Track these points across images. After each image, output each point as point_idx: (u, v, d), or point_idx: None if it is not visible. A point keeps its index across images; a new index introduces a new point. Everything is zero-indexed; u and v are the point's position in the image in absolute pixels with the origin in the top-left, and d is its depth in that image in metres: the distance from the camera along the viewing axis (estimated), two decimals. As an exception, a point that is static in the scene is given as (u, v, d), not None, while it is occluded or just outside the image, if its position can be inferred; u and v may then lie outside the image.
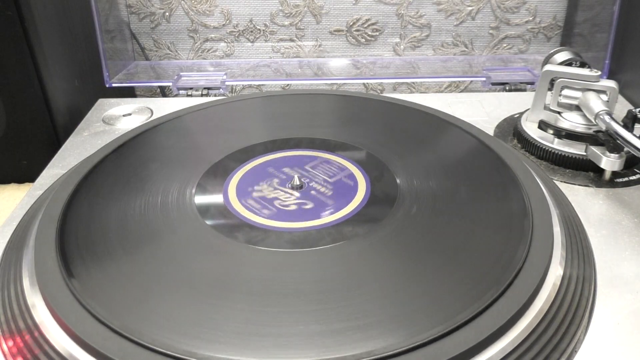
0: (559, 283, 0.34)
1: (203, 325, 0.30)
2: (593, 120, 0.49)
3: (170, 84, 0.70)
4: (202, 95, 0.69)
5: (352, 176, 0.45)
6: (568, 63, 0.55)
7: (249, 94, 0.72)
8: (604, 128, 0.47)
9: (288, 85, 0.84)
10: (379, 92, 0.85)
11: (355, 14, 0.79)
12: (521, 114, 0.57)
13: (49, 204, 0.41)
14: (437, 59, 0.80)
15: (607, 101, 0.50)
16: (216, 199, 0.42)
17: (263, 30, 0.80)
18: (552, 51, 0.57)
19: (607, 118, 0.47)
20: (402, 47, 0.81)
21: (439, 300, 0.31)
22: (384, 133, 0.51)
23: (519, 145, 0.54)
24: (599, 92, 0.50)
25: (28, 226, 0.41)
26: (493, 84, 0.70)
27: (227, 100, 0.59)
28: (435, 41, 0.80)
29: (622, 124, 0.46)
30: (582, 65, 0.55)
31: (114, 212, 0.40)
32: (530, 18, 0.79)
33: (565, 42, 0.80)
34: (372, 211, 0.40)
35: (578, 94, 0.51)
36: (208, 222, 0.39)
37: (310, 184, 0.44)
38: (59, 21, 0.63)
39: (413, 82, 0.85)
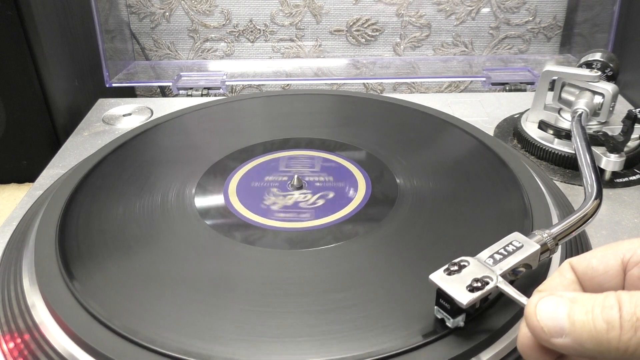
0: (558, 283, 0.34)
1: (202, 325, 0.30)
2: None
3: (170, 84, 0.70)
4: (202, 95, 0.69)
5: (352, 176, 0.45)
6: (589, 64, 0.54)
7: (249, 94, 0.72)
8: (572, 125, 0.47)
9: (288, 85, 0.84)
10: (379, 92, 0.85)
11: (355, 14, 0.79)
12: (521, 114, 0.57)
13: (49, 203, 0.41)
14: (437, 59, 0.80)
15: (601, 103, 0.50)
16: (216, 199, 0.42)
17: (263, 30, 0.80)
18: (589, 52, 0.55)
19: (575, 117, 0.47)
20: (402, 47, 0.81)
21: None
22: (384, 133, 0.51)
23: (519, 145, 0.54)
24: (596, 93, 0.50)
25: (28, 226, 0.41)
26: (493, 84, 0.70)
27: (227, 100, 0.59)
28: (435, 41, 0.80)
29: (583, 128, 0.46)
30: (605, 69, 0.53)
31: (114, 212, 0.40)
32: (530, 18, 0.79)
33: (565, 42, 0.80)
34: (372, 211, 0.40)
35: (578, 91, 0.51)
36: (208, 222, 0.39)
37: (310, 184, 0.44)
38: (59, 21, 0.63)
39: (413, 82, 0.85)
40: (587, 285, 0.25)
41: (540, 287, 0.26)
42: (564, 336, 0.22)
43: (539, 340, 0.23)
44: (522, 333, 0.24)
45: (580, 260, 0.26)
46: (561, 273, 0.26)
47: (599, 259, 0.25)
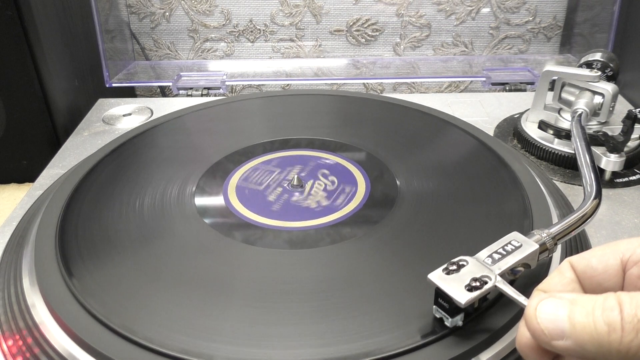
0: (558, 283, 0.34)
1: (202, 325, 0.30)
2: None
3: (170, 84, 0.70)
4: (202, 95, 0.69)
5: (351, 176, 0.45)
6: (589, 64, 0.54)
7: (249, 94, 0.72)
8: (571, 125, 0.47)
9: (288, 85, 0.84)
10: (379, 92, 0.85)
11: (355, 14, 0.79)
12: (521, 114, 0.57)
13: (49, 204, 0.41)
14: (437, 59, 0.80)
15: (601, 103, 0.50)
16: (216, 198, 0.42)
17: (263, 30, 0.80)
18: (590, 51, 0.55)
19: (575, 117, 0.47)
20: (402, 47, 0.81)
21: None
22: (384, 133, 0.51)
23: (519, 145, 0.54)
24: (596, 93, 0.50)
25: (28, 226, 0.41)
26: (493, 84, 0.70)
27: (227, 100, 0.59)
28: (435, 41, 0.80)
29: (583, 128, 0.46)
30: (605, 69, 0.53)
31: (113, 212, 0.40)
32: (530, 18, 0.79)
33: (565, 42, 0.80)
34: (371, 211, 0.40)
35: (578, 91, 0.51)
36: (208, 222, 0.39)
37: (310, 184, 0.44)
38: (59, 21, 0.63)
39: (413, 82, 0.85)
40: (587, 284, 0.25)
41: (539, 286, 0.26)
42: (564, 338, 0.22)
43: (539, 342, 0.23)
44: (521, 334, 0.24)
45: (579, 259, 0.26)
46: (560, 272, 0.26)
47: (599, 258, 0.25)
